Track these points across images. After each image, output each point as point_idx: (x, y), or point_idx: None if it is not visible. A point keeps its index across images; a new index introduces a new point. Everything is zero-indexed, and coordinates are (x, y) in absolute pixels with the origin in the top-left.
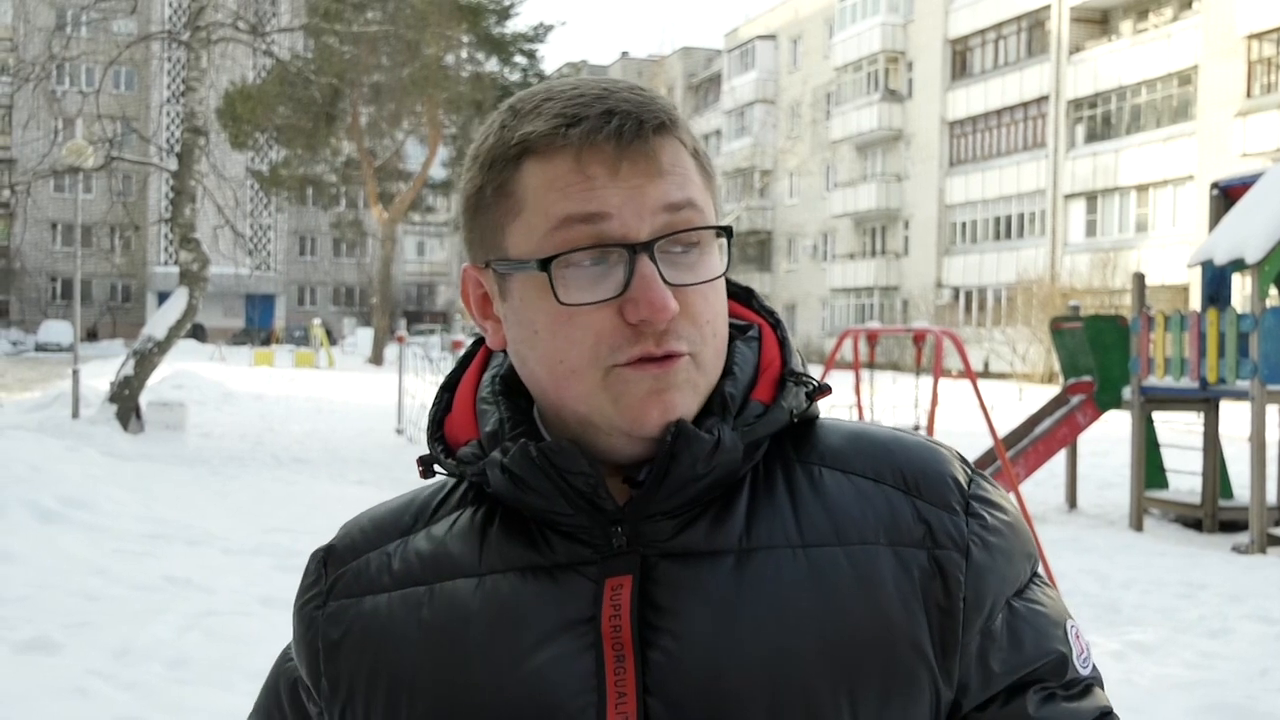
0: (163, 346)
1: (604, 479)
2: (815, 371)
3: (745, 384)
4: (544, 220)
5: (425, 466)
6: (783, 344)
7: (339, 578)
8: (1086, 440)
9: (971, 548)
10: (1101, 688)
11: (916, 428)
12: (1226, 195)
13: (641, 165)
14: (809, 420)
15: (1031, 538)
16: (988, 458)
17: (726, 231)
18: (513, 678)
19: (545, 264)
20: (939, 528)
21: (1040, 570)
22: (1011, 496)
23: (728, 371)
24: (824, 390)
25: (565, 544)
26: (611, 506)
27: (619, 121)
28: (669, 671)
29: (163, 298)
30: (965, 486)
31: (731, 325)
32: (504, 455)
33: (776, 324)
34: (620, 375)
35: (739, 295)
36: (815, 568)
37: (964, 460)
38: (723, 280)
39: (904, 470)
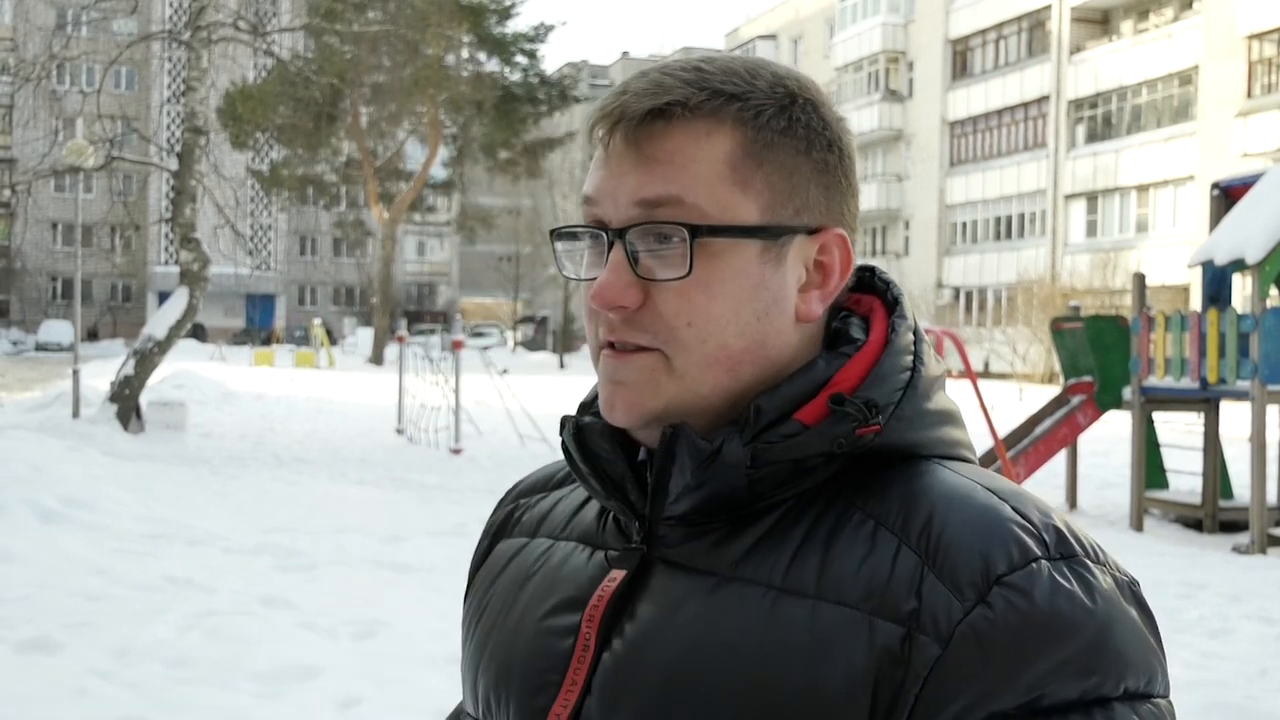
0: (163, 346)
1: (631, 469)
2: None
3: (788, 399)
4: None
5: (562, 428)
6: (877, 365)
7: (502, 516)
8: (1087, 440)
9: (955, 639)
10: None
11: None
12: (1227, 195)
13: (625, 152)
14: (904, 456)
15: (1106, 655)
16: (988, 458)
17: (693, 231)
18: (524, 636)
19: (552, 235)
20: (929, 608)
21: (1121, 698)
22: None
23: (777, 385)
24: (871, 426)
25: (613, 528)
26: (637, 499)
27: (623, 103)
28: (611, 675)
29: (163, 297)
30: (1004, 568)
31: (840, 335)
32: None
33: (889, 340)
34: (602, 358)
35: (891, 303)
36: (775, 616)
37: (1051, 540)
38: (744, 284)
39: (935, 534)
